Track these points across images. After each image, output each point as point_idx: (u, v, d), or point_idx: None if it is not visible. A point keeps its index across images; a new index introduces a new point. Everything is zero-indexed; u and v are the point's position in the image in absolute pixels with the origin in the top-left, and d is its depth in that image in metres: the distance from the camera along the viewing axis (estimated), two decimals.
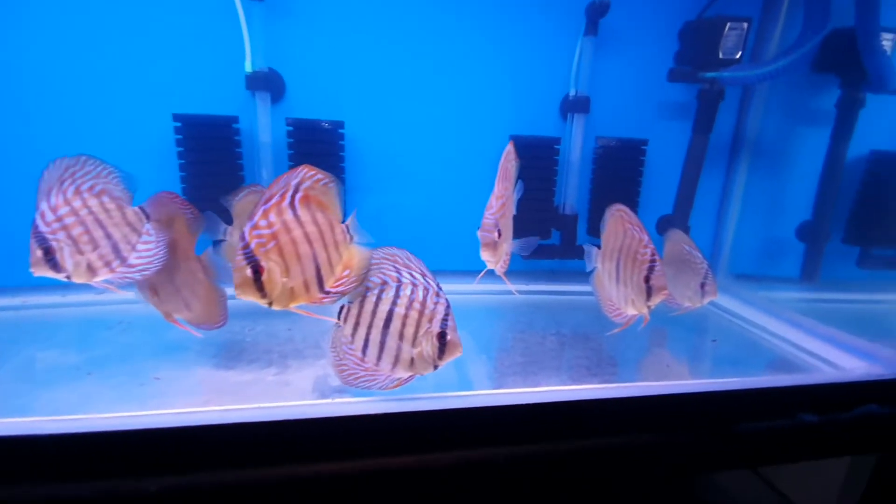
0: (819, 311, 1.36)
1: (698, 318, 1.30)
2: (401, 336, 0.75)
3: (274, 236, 0.70)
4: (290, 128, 1.22)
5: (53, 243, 0.76)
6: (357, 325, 0.77)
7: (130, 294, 1.21)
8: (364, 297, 0.77)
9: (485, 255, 0.95)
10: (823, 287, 1.47)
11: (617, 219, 0.94)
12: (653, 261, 0.88)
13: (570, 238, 1.40)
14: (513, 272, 1.48)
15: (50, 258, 0.76)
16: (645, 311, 0.93)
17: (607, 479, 0.87)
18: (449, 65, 1.32)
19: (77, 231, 0.78)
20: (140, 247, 0.84)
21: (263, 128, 1.22)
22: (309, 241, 0.73)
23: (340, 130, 1.25)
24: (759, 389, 0.95)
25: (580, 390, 0.88)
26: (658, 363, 1.07)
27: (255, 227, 0.69)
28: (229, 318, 1.13)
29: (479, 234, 0.93)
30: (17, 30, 1.10)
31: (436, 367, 0.77)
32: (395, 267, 0.76)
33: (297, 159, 1.24)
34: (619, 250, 0.92)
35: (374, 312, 0.75)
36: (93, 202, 0.79)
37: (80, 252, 0.78)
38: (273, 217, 0.70)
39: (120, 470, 0.66)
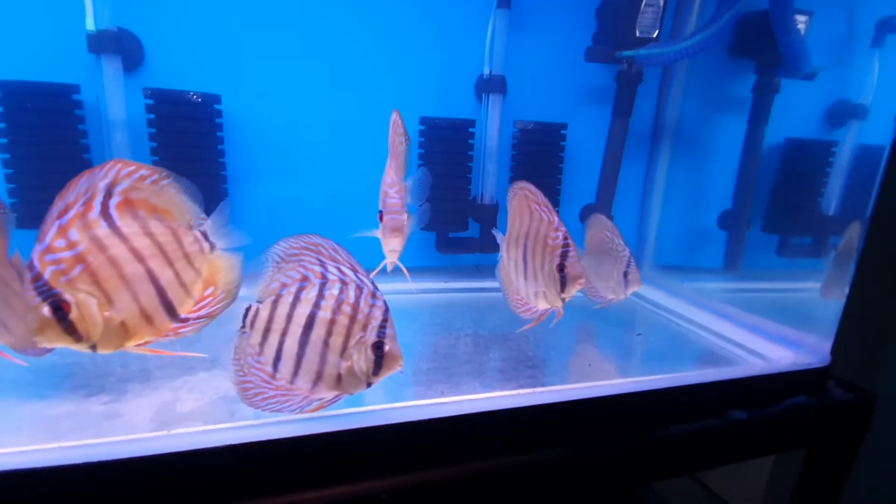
0: (743, 301, 1.32)
1: (623, 312, 1.21)
2: (325, 346, 0.58)
3: (79, 259, 0.53)
4: (150, 101, 1.01)
5: None
6: (268, 331, 0.59)
7: None
8: (278, 298, 0.59)
9: (393, 243, 0.81)
10: (745, 276, 1.44)
11: (521, 198, 0.80)
12: (566, 246, 0.76)
13: (489, 228, 1.28)
14: (432, 269, 1.35)
15: None
16: (559, 304, 0.81)
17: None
18: (355, 38, 1.16)
19: None
20: None
21: (114, 100, 1.00)
22: (140, 259, 0.56)
23: (217, 106, 1.06)
24: (688, 386, 0.86)
25: (488, 399, 0.74)
26: (580, 362, 0.96)
27: (47, 249, 0.51)
28: None
29: (385, 218, 0.78)
30: None
31: (369, 384, 0.61)
32: (318, 259, 0.60)
33: (159, 138, 1.03)
34: (526, 235, 0.79)
35: (289, 316, 0.59)
36: None
37: None
38: (75, 234, 0.53)
39: None
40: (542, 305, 0.83)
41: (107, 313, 0.54)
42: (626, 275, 0.95)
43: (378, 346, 0.58)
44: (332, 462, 0.63)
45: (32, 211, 0.97)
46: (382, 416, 0.67)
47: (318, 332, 0.58)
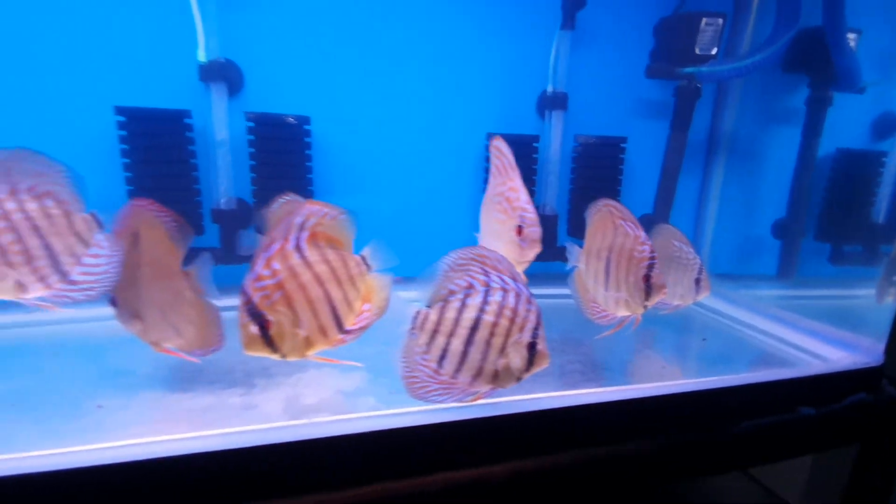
0: (798, 307, 1.36)
1: (683, 318, 1.27)
2: (487, 346, 0.66)
3: (279, 286, 0.64)
4: (251, 123, 1.11)
5: None
6: (435, 333, 0.67)
7: (64, 312, 1.07)
8: (446, 303, 0.67)
9: (531, 255, 0.86)
10: (799, 284, 1.48)
11: (605, 215, 0.88)
12: (652, 258, 0.83)
13: (551, 239, 1.35)
14: None
15: None
16: (640, 311, 0.87)
17: (611, 488, 0.80)
18: (423, 59, 1.25)
19: (6, 239, 0.65)
20: (87, 260, 0.71)
21: (219, 123, 1.11)
22: (320, 283, 0.67)
23: (306, 127, 1.16)
24: (760, 384, 0.91)
25: (580, 395, 0.81)
26: (651, 365, 1.02)
27: (257, 278, 0.62)
28: None
29: (526, 231, 0.83)
30: None
31: (519, 379, 0.68)
32: (483, 269, 0.67)
33: (258, 158, 1.13)
34: (610, 248, 0.86)
35: (457, 320, 0.66)
36: (31, 205, 0.66)
37: (9, 264, 0.65)
38: (277, 265, 0.64)
39: None
40: (622, 313, 0.90)
41: (296, 329, 0.64)
42: (697, 281, 1.00)
43: (532, 346, 0.66)
44: (457, 448, 0.70)
45: None
46: (503, 408, 0.73)
47: (481, 334, 0.65)
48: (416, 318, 0.68)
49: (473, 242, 1.37)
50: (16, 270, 0.65)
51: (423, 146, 1.29)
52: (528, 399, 0.79)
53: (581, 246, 0.98)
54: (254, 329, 0.62)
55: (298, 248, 0.65)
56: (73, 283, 0.70)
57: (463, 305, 0.66)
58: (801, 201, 1.42)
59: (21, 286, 0.67)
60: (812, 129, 1.36)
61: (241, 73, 1.14)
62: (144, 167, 1.06)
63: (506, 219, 0.83)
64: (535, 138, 1.28)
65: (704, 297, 1.03)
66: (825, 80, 1.32)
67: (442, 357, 0.67)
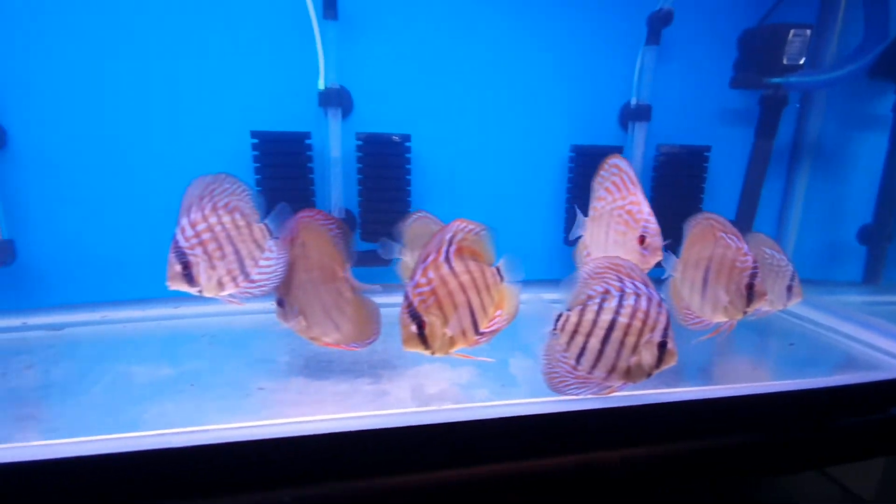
0: (884, 313, 1.34)
1: (766, 323, 1.29)
2: (621, 345, 0.74)
3: (433, 292, 0.75)
4: (360, 142, 1.24)
5: (191, 258, 0.77)
6: (575, 333, 0.77)
7: (209, 308, 1.23)
8: (584, 307, 0.76)
9: (653, 263, 0.92)
10: (886, 290, 1.46)
11: (706, 227, 0.93)
12: (755, 268, 0.89)
13: None
14: None
15: (187, 273, 0.77)
16: (738, 317, 0.93)
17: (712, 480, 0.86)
18: (511, 76, 1.34)
19: (212, 247, 0.80)
20: (262, 262, 0.85)
21: (334, 143, 1.24)
22: (464, 290, 0.77)
23: (408, 143, 1.27)
24: (853, 386, 0.94)
25: (661, 394, 0.87)
26: (743, 366, 1.06)
27: (416, 285, 0.74)
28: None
29: (649, 240, 0.90)
30: (114, 60, 1.15)
31: (649, 375, 0.77)
32: (618, 276, 0.76)
33: (366, 172, 1.26)
34: (710, 259, 0.92)
35: (595, 321, 0.75)
36: (226, 218, 0.81)
37: (213, 267, 0.80)
38: (431, 274, 0.75)
39: (253, 481, 0.67)
40: (719, 319, 0.96)
41: (444, 330, 0.76)
42: (789, 288, 1.04)
43: (662, 345, 0.74)
44: (571, 434, 0.79)
45: None
46: (625, 400, 0.82)
47: (616, 334, 0.74)
48: (557, 319, 0.77)
49: (558, 249, 1.46)
50: (217, 272, 0.80)
51: (510, 158, 1.38)
52: (642, 394, 0.87)
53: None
54: (413, 328, 0.74)
55: (448, 260, 0.76)
56: (252, 282, 0.84)
57: (600, 308, 0.75)
58: (887, 206, 1.40)
59: (220, 284, 0.82)
60: None
61: (351, 97, 1.27)
62: (272, 182, 1.21)
63: (627, 230, 0.90)
64: (619, 149, 1.34)
65: (796, 303, 1.06)
66: None
67: (580, 355, 0.76)
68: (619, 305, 0.74)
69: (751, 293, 0.89)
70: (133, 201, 1.21)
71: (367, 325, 0.92)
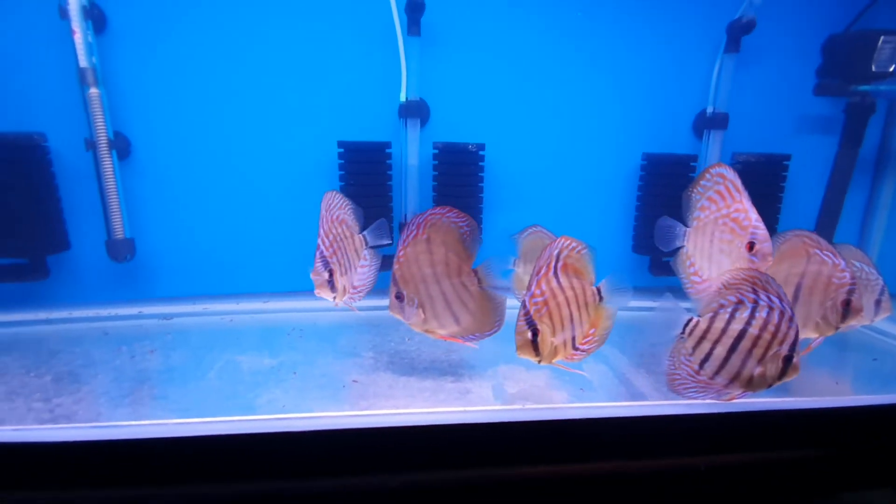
0: None
1: (845, 337, 1.26)
2: (748, 355, 0.77)
3: (545, 303, 0.80)
4: (436, 150, 1.31)
5: (333, 266, 0.87)
6: (702, 339, 0.80)
7: (294, 303, 1.34)
8: (715, 314, 0.80)
9: (764, 269, 0.90)
10: None
11: (797, 244, 0.93)
12: (853, 284, 0.89)
13: None
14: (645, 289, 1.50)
15: (330, 280, 0.87)
16: (831, 333, 0.93)
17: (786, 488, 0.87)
18: (584, 84, 1.37)
19: (340, 255, 0.90)
20: (360, 270, 0.93)
21: (412, 151, 1.32)
22: (568, 304, 0.82)
23: (482, 153, 1.33)
24: None
25: (773, 402, 0.88)
26: (825, 381, 1.05)
27: (532, 296, 0.79)
28: (387, 327, 1.24)
29: (759, 246, 0.89)
30: (221, 77, 1.26)
31: (770, 386, 0.79)
32: (752, 288, 0.78)
33: (440, 180, 1.33)
34: (802, 275, 0.92)
35: (724, 330, 0.78)
36: (338, 229, 0.90)
37: (342, 275, 0.89)
38: (544, 286, 0.80)
39: (369, 466, 0.75)
40: (810, 335, 0.95)
41: (551, 339, 0.81)
42: (878, 302, 1.02)
43: (788, 358, 0.76)
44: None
45: None
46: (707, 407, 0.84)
47: (745, 344, 0.77)
48: (687, 324, 0.81)
49: (627, 256, 1.47)
50: (344, 279, 0.91)
51: (581, 167, 1.41)
52: (724, 403, 0.89)
53: None
54: (529, 335, 0.79)
55: (556, 275, 0.81)
56: (355, 287, 0.92)
57: (731, 318, 0.77)
58: None
59: (344, 290, 0.92)
60: None
61: (429, 108, 1.34)
62: (355, 188, 1.29)
63: (733, 238, 0.91)
64: (693, 158, 1.34)
65: (884, 318, 1.04)
66: None
67: (704, 360, 0.79)
68: (751, 316, 0.76)
69: (847, 309, 0.88)
70: (235, 205, 1.34)
71: (487, 318, 0.96)
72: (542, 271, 0.80)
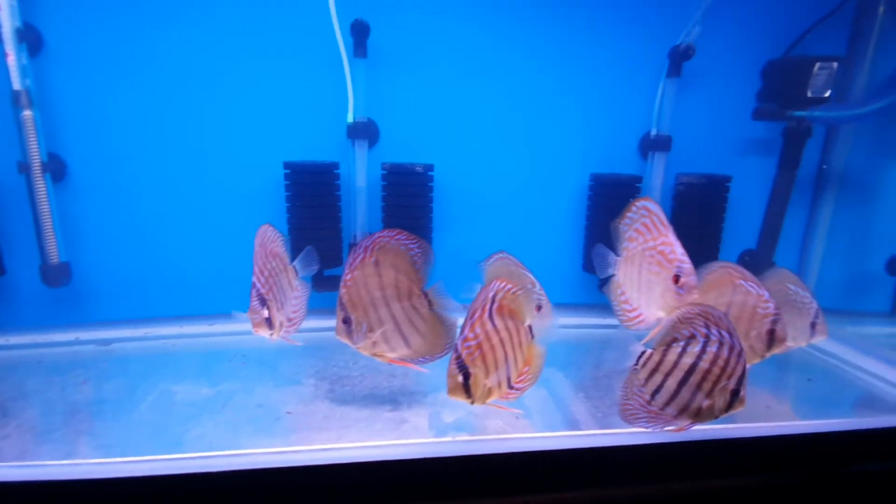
0: None
1: (787, 355, 1.29)
2: (697, 388, 0.78)
3: (479, 346, 0.80)
4: (384, 172, 1.30)
5: (270, 302, 0.86)
6: (654, 371, 0.82)
7: (239, 326, 1.32)
8: (668, 348, 0.81)
9: (689, 301, 0.93)
10: None
11: (723, 274, 0.96)
12: (776, 314, 0.91)
13: None
14: (588, 306, 1.52)
15: (268, 318, 0.86)
16: (757, 361, 0.95)
17: None
18: (532, 107, 1.38)
19: (276, 290, 0.90)
20: (293, 303, 0.92)
21: (360, 173, 1.31)
22: (503, 346, 0.82)
23: (430, 173, 1.32)
24: (869, 430, 0.94)
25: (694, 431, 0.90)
26: (756, 405, 1.07)
27: (465, 339, 0.79)
28: (333, 350, 1.23)
29: (684, 280, 0.92)
30: (158, 96, 1.24)
31: (717, 417, 0.81)
32: (705, 323, 0.79)
33: (389, 201, 1.32)
34: (728, 305, 0.95)
35: (676, 363, 0.80)
36: (273, 263, 0.89)
37: (279, 310, 0.88)
38: (478, 329, 0.80)
39: None
40: None
41: (485, 381, 0.80)
42: (813, 325, 1.05)
43: (736, 392, 0.78)
44: (576, 470, 0.83)
45: None
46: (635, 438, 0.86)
47: (695, 378, 0.78)
48: (640, 356, 0.83)
49: (577, 274, 1.48)
50: (280, 314, 0.90)
51: (530, 186, 1.42)
52: (648, 433, 0.90)
53: None
54: (460, 379, 0.79)
55: (491, 317, 0.81)
56: (290, 320, 0.91)
57: (683, 351, 0.79)
58: None
59: (281, 325, 0.91)
60: None
61: (378, 129, 1.33)
62: (303, 210, 1.28)
63: (660, 270, 0.93)
64: (638, 179, 1.36)
65: (820, 340, 1.07)
66: None
67: (656, 392, 0.81)
68: (702, 351, 0.77)
69: (772, 338, 0.91)
70: (178, 226, 1.31)
71: (439, 341, 0.95)
72: (477, 314, 0.80)
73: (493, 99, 1.37)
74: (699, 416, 0.79)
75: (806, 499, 0.93)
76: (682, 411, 0.80)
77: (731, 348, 0.76)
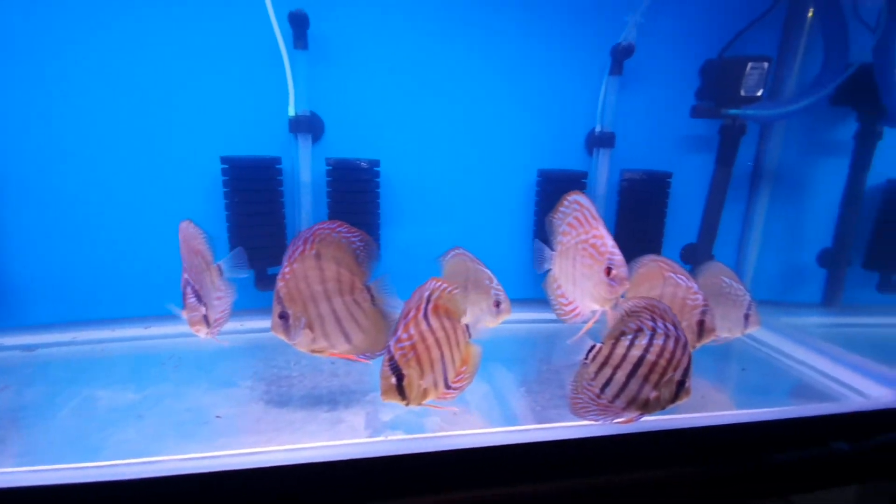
0: (842, 337, 1.39)
1: (724, 345, 1.33)
2: (645, 380, 0.79)
3: (413, 347, 0.78)
4: (329, 167, 1.27)
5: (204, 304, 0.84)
6: (604, 365, 0.82)
7: (178, 328, 1.27)
8: (616, 341, 0.81)
9: (619, 293, 0.93)
10: (845, 312, 1.50)
11: (653, 268, 0.97)
12: (705, 306, 0.93)
13: None
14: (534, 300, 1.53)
15: (206, 315, 0.84)
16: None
17: None
18: (478, 103, 1.37)
19: (190, 289, 0.86)
20: (216, 303, 0.88)
21: (304, 168, 1.27)
22: (439, 346, 0.81)
23: (376, 169, 1.30)
24: (795, 419, 0.98)
25: (615, 425, 0.91)
26: (693, 394, 1.10)
27: (398, 340, 0.77)
28: (273, 350, 1.19)
29: (615, 272, 0.91)
30: (86, 89, 1.17)
31: (664, 408, 0.82)
32: (651, 316, 0.80)
33: (335, 197, 1.29)
34: (659, 297, 0.96)
35: (624, 356, 0.80)
36: (197, 260, 0.85)
37: (197, 310, 0.86)
38: (412, 329, 0.78)
39: None
40: None
41: (419, 383, 0.79)
42: (747, 316, 1.08)
43: (681, 383, 0.79)
44: (515, 467, 0.83)
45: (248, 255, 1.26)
46: (541, 435, 0.86)
47: (643, 370, 0.79)
48: (590, 350, 0.83)
49: (527, 269, 1.49)
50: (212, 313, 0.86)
51: (479, 182, 1.42)
52: (580, 426, 0.91)
53: None
54: (393, 381, 0.77)
55: (426, 317, 0.79)
56: (215, 321, 0.87)
57: (631, 344, 0.80)
58: (847, 231, 1.44)
59: (209, 324, 0.88)
60: (860, 161, 1.38)
61: (323, 123, 1.30)
62: (242, 206, 1.23)
63: (593, 263, 0.93)
64: (584, 174, 1.38)
65: (753, 331, 1.10)
66: (874, 114, 1.34)
67: (605, 385, 0.82)
68: (649, 343, 0.79)
69: (701, 329, 0.93)
70: (110, 225, 1.25)
71: (382, 336, 0.93)
72: (411, 314, 0.78)
73: (441, 95, 1.36)
74: (647, 407, 0.81)
75: (738, 487, 0.95)
76: (631, 403, 0.81)
77: (677, 340, 0.78)
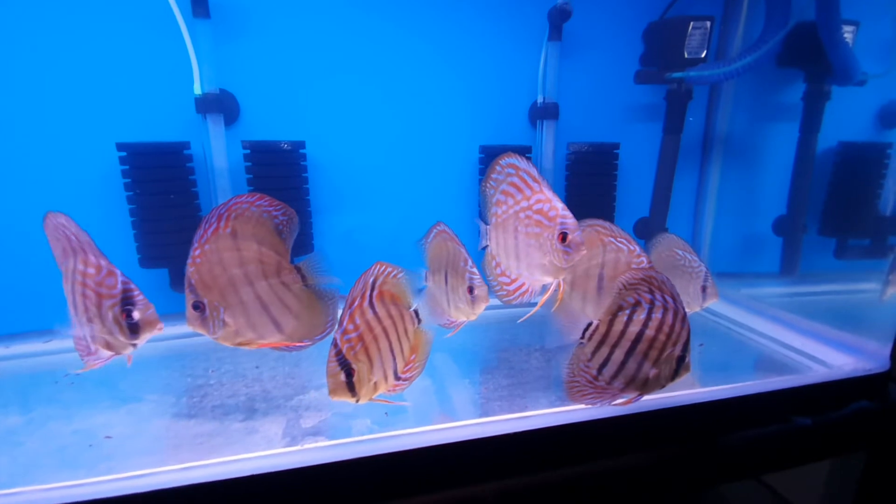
0: (801, 305, 1.35)
1: None
2: (644, 357, 0.73)
3: (360, 338, 0.70)
4: (248, 151, 1.15)
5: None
6: (601, 343, 0.76)
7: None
8: (614, 317, 0.75)
9: (577, 259, 0.83)
10: (803, 280, 1.46)
11: (591, 235, 0.87)
12: (651, 269, 0.84)
13: None
14: None
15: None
16: None
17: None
18: (413, 77, 1.27)
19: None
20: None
21: (218, 152, 1.15)
22: (386, 335, 0.73)
23: (301, 151, 1.19)
24: (753, 395, 0.92)
25: (568, 412, 0.83)
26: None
27: (344, 332, 0.69)
28: (194, 358, 1.07)
29: (570, 236, 0.80)
30: None
31: (664, 386, 0.76)
32: (649, 288, 0.74)
33: (256, 183, 1.17)
34: (601, 265, 0.87)
35: (622, 333, 0.74)
36: (80, 267, 0.76)
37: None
38: (358, 319, 0.70)
39: None
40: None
41: (369, 376, 0.70)
42: (704, 289, 1.02)
43: (681, 359, 0.73)
44: (452, 467, 0.73)
45: (155, 252, 1.13)
46: (475, 431, 0.77)
47: (642, 347, 0.73)
48: (587, 329, 0.76)
49: (473, 251, 1.40)
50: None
51: (418, 162, 1.32)
52: (522, 417, 0.82)
53: None
54: (343, 377, 0.68)
55: (371, 305, 0.71)
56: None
57: (629, 320, 0.74)
58: (801, 197, 1.40)
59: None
60: (810, 123, 1.34)
61: (237, 103, 1.17)
62: (148, 197, 1.10)
63: (541, 231, 0.82)
64: (528, 149, 1.29)
65: (712, 303, 1.04)
66: (821, 74, 1.30)
67: (602, 365, 0.76)
68: (648, 318, 0.73)
69: None
70: None
71: (318, 320, 0.82)
72: (356, 303, 0.70)
73: (370, 69, 1.25)
74: (646, 386, 0.76)
75: (698, 471, 0.88)
76: (630, 383, 0.76)
77: (676, 313, 0.72)
